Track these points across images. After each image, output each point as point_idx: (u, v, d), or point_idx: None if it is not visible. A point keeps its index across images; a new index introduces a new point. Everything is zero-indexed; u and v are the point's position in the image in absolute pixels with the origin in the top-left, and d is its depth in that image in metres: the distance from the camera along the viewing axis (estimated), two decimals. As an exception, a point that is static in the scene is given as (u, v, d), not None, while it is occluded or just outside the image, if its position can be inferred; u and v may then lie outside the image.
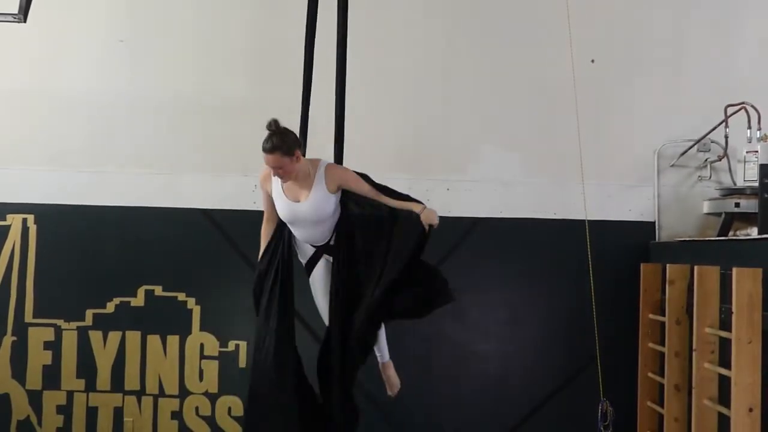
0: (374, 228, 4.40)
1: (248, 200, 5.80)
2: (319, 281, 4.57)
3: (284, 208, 4.40)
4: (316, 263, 4.57)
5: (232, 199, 6.03)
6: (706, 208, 5.94)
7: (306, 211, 4.34)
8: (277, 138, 4.21)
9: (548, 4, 5.96)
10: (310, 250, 4.56)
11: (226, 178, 6.07)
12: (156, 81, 6.19)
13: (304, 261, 4.60)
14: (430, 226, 4.33)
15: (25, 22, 5.33)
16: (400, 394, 4.83)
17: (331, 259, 4.52)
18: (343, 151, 4.71)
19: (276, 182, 4.39)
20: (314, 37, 4.70)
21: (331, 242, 4.48)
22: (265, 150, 4.22)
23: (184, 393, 6.16)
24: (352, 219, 4.44)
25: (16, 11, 5.32)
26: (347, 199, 4.44)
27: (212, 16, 6.23)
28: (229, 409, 6.12)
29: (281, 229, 4.55)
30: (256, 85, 6.13)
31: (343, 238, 4.44)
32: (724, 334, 4.66)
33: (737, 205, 5.62)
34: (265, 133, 4.24)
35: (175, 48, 6.22)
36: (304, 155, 4.44)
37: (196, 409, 6.12)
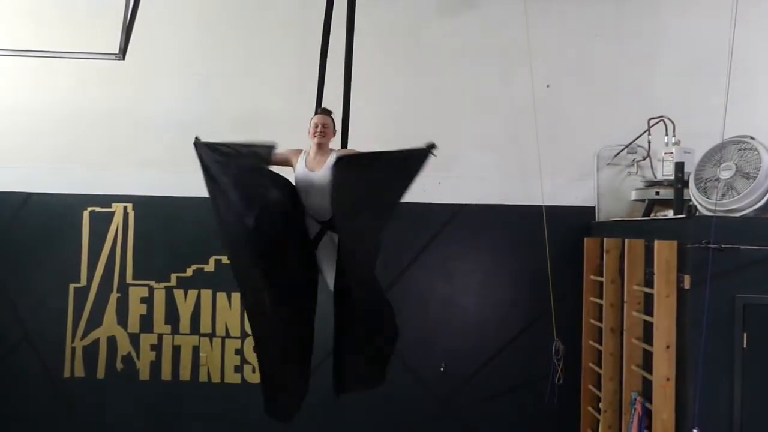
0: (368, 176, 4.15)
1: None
2: (324, 252, 4.32)
3: (303, 176, 4.19)
4: (321, 238, 4.32)
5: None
6: (633, 195, 5.88)
7: (318, 179, 4.16)
8: (330, 113, 4.36)
9: (515, 45, 5.92)
10: (315, 228, 4.30)
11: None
12: (218, 105, 6.12)
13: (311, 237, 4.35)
14: (432, 145, 4.10)
15: (123, 59, 5.19)
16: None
17: (333, 235, 4.25)
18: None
19: (301, 159, 4.25)
20: (324, 75, 4.64)
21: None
22: (323, 112, 4.34)
23: (243, 335, 6.14)
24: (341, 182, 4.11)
25: (116, 51, 5.26)
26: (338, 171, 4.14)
27: (260, 56, 6.16)
28: (278, 347, 6.10)
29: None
30: (289, 104, 5.98)
31: (339, 215, 4.15)
32: (647, 290, 4.65)
33: (657, 193, 5.58)
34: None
35: (232, 80, 6.16)
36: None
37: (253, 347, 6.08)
